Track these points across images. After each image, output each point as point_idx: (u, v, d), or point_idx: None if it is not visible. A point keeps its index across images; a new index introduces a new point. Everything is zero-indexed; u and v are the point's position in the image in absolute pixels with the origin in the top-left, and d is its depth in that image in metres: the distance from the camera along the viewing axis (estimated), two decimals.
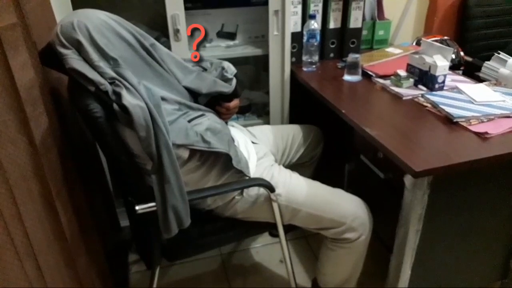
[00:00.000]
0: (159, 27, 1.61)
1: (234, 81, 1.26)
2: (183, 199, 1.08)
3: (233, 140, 1.27)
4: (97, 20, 1.02)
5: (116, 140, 1.03)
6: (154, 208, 1.06)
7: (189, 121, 1.13)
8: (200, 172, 1.17)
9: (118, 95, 0.99)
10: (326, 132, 1.68)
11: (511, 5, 2.29)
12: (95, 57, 1.00)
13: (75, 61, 0.98)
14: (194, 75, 1.22)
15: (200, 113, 1.18)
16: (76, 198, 1.19)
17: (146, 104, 0.99)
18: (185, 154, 1.11)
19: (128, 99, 0.97)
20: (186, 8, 1.53)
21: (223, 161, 1.19)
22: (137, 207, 1.06)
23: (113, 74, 1.01)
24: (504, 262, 1.44)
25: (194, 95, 1.24)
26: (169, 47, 1.54)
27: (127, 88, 0.99)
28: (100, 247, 1.37)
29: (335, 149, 1.66)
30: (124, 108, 0.98)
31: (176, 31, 1.53)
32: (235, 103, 1.33)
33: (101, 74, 1.00)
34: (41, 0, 1.20)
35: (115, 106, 0.99)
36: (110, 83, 1.00)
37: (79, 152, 1.30)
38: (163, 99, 1.09)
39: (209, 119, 1.18)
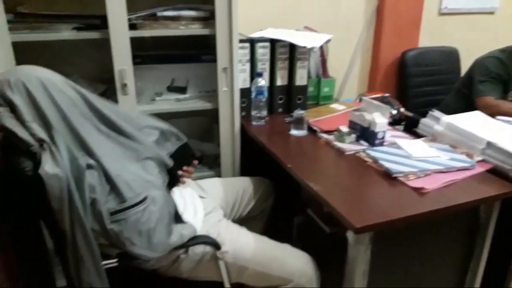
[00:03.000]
0: (106, 81, 1.61)
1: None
2: (99, 275, 1.03)
3: (172, 222, 1.17)
4: (36, 79, 1.00)
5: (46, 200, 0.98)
6: None
7: (116, 212, 1.03)
8: None
9: (39, 160, 0.94)
10: (277, 184, 1.70)
11: (445, 65, 2.51)
12: (27, 117, 0.97)
13: (7, 119, 0.95)
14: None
15: (139, 198, 1.07)
16: (9, 262, 1.10)
17: (66, 175, 0.95)
18: None
19: (47, 167, 0.93)
20: (135, 63, 1.55)
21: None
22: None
23: (44, 136, 0.97)
24: None
25: None
26: (116, 101, 1.54)
27: (52, 153, 0.95)
28: None
29: (285, 202, 1.67)
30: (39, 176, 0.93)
31: (124, 86, 1.53)
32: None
33: (32, 134, 0.97)
34: None
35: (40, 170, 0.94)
36: (40, 145, 0.97)
37: (14, 211, 1.22)
38: (90, 167, 1.02)
39: (146, 209, 1.07)
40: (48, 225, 1.08)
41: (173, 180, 1.26)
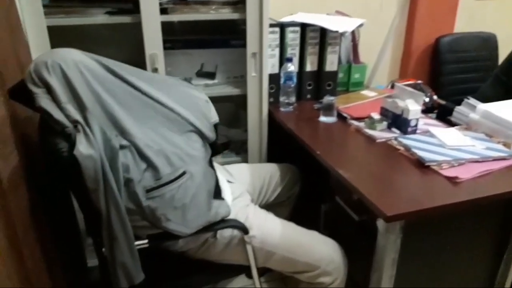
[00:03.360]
0: (137, 65, 1.62)
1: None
2: (132, 255, 1.05)
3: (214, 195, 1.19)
4: (72, 62, 1.02)
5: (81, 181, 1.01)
6: None
7: (152, 189, 1.06)
8: None
9: (74, 141, 0.97)
10: (304, 171, 1.69)
11: (481, 51, 2.41)
12: (63, 99, 0.99)
13: (43, 100, 0.98)
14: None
15: (177, 174, 1.08)
16: (44, 240, 1.14)
17: (100, 155, 0.97)
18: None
19: (81, 148, 0.95)
20: (165, 48, 1.56)
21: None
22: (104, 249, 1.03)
23: (78, 118, 0.99)
24: None
25: None
26: None
27: (86, 135, 0.98)
28: None
29: (312, 189, 1.66)
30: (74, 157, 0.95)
31: (155, 70, 1.54)
32: None
33: (67, 116, 0.99)
34: (10, 39, 1.19)
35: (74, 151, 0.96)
36: (74, 126, 0.99)
37: (48, 191, 1.26)
38: (123, 147, 1.04)
39: (182, 185, 1.09)
40: (82, 205, 1.11)
41: (214, 153, 1.27)
